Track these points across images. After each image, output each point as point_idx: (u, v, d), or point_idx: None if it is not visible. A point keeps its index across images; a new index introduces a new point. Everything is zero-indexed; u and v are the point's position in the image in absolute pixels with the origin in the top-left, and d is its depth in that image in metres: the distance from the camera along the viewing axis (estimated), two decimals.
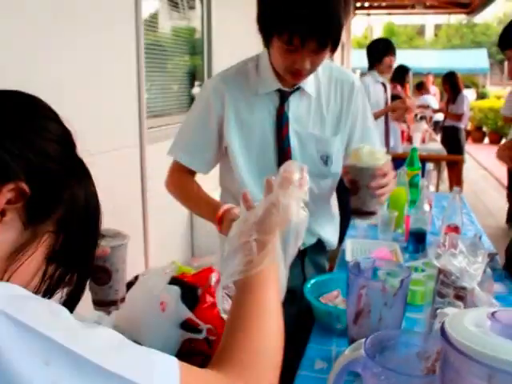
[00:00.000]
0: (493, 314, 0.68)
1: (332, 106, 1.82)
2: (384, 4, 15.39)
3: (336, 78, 1.83)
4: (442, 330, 0.68)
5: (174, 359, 0.69)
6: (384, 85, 4.93)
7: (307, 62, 1.57)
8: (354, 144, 1.86)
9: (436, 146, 7.27)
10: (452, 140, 7.49)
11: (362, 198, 1.60)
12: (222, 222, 1.52)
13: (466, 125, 7.91)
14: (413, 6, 14.83)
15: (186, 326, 2.11)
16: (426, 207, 2.50)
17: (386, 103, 5.00)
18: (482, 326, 0.67)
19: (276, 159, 1.76)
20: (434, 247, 1.38)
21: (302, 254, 1.91)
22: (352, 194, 1.62)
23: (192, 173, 1.86)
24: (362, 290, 1.35)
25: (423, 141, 7.04)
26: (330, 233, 2.00)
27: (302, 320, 1.75)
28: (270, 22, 1.55)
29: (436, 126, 9.73)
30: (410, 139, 6.79)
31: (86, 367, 0.61)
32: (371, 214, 1.66)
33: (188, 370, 0.70)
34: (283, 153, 1.76)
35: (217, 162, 1.87)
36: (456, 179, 4.87)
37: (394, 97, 5.66)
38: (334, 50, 1.61)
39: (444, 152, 6.78)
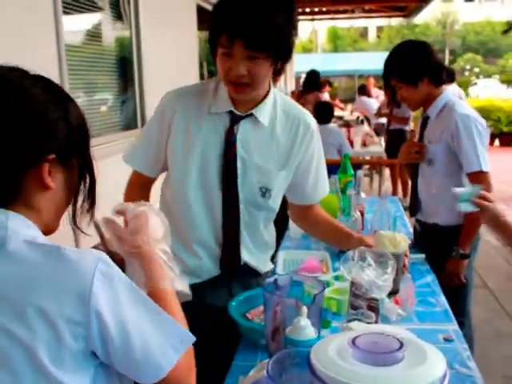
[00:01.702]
0: (353, 340, 0.72)
1: (284, 140, 1.80)
2: (325, 9, 15.66)
3: (294, 116, 1.82)
4: (308, 360, 0.71)
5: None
6: None
7: (242, 68, 1.56)
8: (308, 189, 1.92)
9: (377, 148, 7.38)
10: (399, 143, 7.44)
11: (397, 280, 1.71)
12: None
13: (410, 126, 7.95)
14: (352, 11, 15.14)
15: None
16: (356, 214, 2.57)
17: None
18: (344, 353, 0.70)
19: (219, 179, 1.76)
20: (347, 260, 1.42)
21: (229, 276, 1.91)
22: None
23: (147, 185, 1.92)
24: (277, 307, 1.38)
25: (364, 144, 7.14)
26: (257, 259, 1.93)
27: (230, 337, 1.76)
28: (214, 29, 1.59)
29: (379, 128, 9.87)
30: (351, 143, 6.88)
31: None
32: None
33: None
34: (228, 173, 1.75)
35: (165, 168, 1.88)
36: (395, 181, 4.99)
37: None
38: (276, 63, 1.63)
39: (384, 154, 6.91)
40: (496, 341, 3.72)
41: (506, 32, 6.37)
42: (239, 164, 1.75)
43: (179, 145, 1.76)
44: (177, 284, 1.20)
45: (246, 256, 1.89)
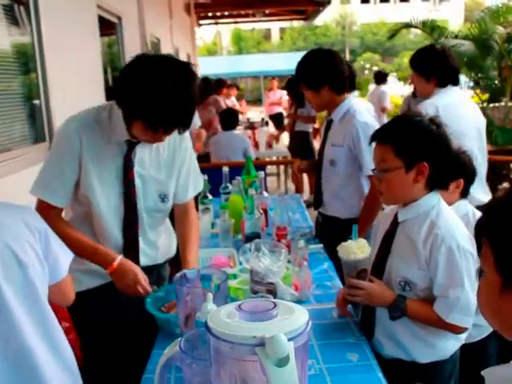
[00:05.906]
0: (239, 306, 0.94)
1: (166, 153, 2.13)
2: (227, 13, 16.00)
3: None
4: (206, 324, 0.92)
5: None
6: None
7: (166, 138, 1.95)
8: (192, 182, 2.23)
9: (281, 148, 7.69)
10: (302, 144, 7.54)
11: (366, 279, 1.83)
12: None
13: (313, 126, 8.05)
14: (253, 14, 15.55)
15: None
16: (258, 212, 2.80)
17: None
18: (233, 316, 0.92)
19: (121, 198, 2.04)
20: (244, 252, 1.64)
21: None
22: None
23: (58, 211, 2.01)
24: (188, 297, 1.58)
25: (269, 145, 7.40)
26: (156, 254, 2.22)
27: (149, 330, 1.94)
28: (140, 112, 1.81)
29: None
30: (256, 144, 7.14)
31: None
32: None
33: None
34: (129, 192, 2.04)
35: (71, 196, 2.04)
36: (298, 180, 5.31)
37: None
38: None
39: (288, 154, 7.20)
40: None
41: (391, 37, 6.91)
42: (139, 180, 2.05)
43: (93, 172, 1.98)
44: None
45: (143, 258, 2.15)
